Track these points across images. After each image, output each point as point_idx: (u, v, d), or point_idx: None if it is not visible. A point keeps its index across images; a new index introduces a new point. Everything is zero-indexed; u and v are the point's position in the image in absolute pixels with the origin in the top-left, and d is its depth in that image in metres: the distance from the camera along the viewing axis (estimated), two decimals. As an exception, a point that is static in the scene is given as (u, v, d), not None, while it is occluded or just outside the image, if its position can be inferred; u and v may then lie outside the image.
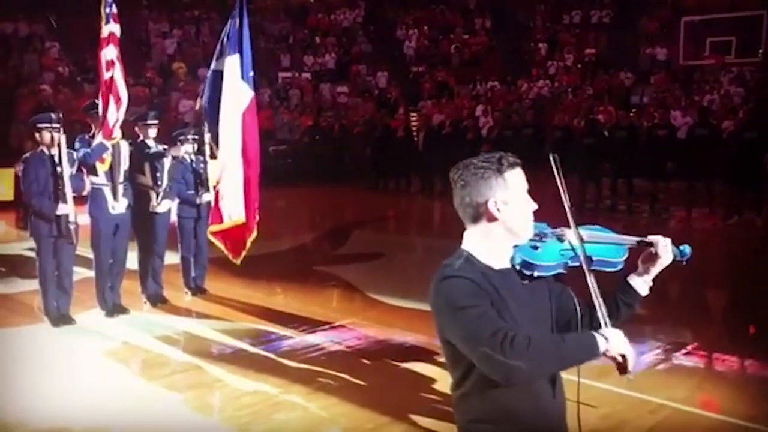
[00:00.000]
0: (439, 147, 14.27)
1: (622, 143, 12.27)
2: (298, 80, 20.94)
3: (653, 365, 5.53)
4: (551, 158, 2.24)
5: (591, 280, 2.14)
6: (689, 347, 5.89)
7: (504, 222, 2.10)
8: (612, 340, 2.02)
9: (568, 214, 2.20)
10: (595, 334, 2.03)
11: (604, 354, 2.01)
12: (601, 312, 2.10)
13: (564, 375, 2.31)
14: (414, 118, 18.07)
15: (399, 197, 15.03)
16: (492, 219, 2.10)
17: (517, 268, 2.14)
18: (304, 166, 16.61)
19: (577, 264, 2.20)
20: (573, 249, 2.19)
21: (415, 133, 16.43)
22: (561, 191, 2.22)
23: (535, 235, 2.18)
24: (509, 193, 2.08)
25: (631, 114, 15.14)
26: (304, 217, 13.30)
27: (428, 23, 23.90)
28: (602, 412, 4.61)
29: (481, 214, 2.10)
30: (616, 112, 14.69)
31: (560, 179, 2.22)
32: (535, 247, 2.16)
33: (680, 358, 5.67)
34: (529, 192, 2.16)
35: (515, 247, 2.15)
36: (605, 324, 2.08)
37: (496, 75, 21.13)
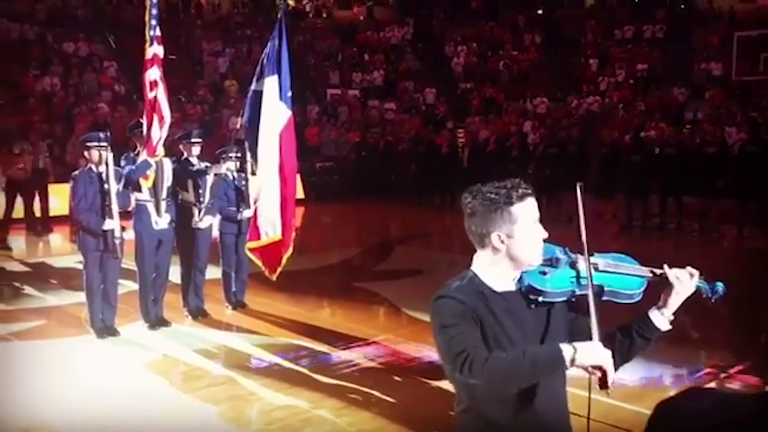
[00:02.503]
0: (484, 163, 14.24)
1: (671, 160, 12.05)
2: (346, 97, 21.17)
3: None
4: (577, 187, 2.20)
5: (592, 310, 2.11)
6: (731, 370, 5.74)
7: (507, 252, 2.12)
8: (581, 350, 1.99)
9: (584, 241, 2.17)
10: (563, 345, 2.01)
11: (573, 365, 2.00)
12: (596, 328, 2.07)
13: (574, 390, 2.31)
14: (460, 135, 18.07)
15: (443, 214, 15.02)
16: (496, 250, 2.13)
17: (523, 292, 2.15)
18: (349, 182, 16.76)
19: (586, 293, 2.15)
20: (582, 278, 2.16)
21: (460, 150, 16.41)
22: (580, 218, 2.19)
23: (548, 259, 2.16)
24: (515, 227, 2.09)
25: (685, 130, 14.85)
26: (347, 233, 13.41)
27: (477, 40, 23.92)
28: (634, 436, 4.53)
29: (486, 244, 2.14)
30: (668, 128, 14.44)
31: (581, 206, 2.19)
32: (544, 273, 2.15)
33: (722, 381, 5.53)
34: (542, 220, 2.15)
35: (524, 271, 2.16)
36: (595, 338, 2.06)
37: (545, 91, 21.00)
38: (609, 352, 2.02)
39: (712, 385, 5.45)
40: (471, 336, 2.02)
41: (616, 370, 2.22)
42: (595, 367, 2.00)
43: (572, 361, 1.99)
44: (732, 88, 18.92)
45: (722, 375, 5.63)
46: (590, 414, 2.25)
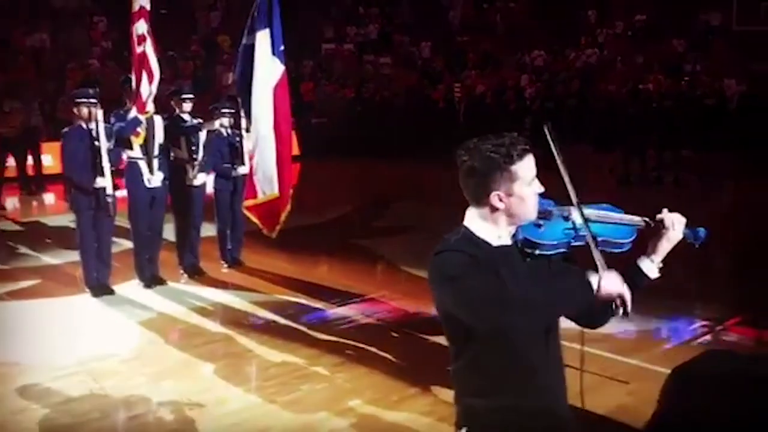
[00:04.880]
0: (481, 118, 14.11)
1: (669, 113, 11.94)
2: (341, 51, 20.87)
3: (687, 341, 5.42)
4: (546, 129, 2.19)
5: (597, 255, 2.11)
6: (727, 323, 5.74)
7: (505, 210, 2.09)
8: (605, 279, 2.04)
9: (570, 193, 2.16)
10: (590, 275, 2.04)
11: (598, 295, 2.03)
12: (601, 261, 2.11)
13: (569, 344, 2.29)
14: (457, 89, 17.85)
15: (439, 169, 14.95)
16: (494, 209, 2.09)
17: (519, 245, 2.13)
18: (345, 138, 16.58)
19: (581, 243, 2.18)
20: (577, 228, 2.17)
21: (456, 104, 16.24)
22: (560, 167, 2.18)
23: (540, 212, 2.16)
24: (514, 186, 2.06)
25: (683, 81, 14.66)
26: (344, 190, 13.32)
27: (473, -10, 23.47)
28: (631, 388, 4.55)
29: (484, 203, 2.10)
30: (666, 80, 14.27)
31: (557, 152, 2.18)
32: (538, 226, 2.15)
33: (718, 334, 5.55)
34: (538, 176, 2.12)
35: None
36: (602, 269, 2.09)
37: (542, 44, 20.69)
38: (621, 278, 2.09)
39: (708, 338, 5.47)
40: (485, 281, 2.00)
41: (604, 323, 2.29)
42: (616, 295, 2.05)
43: (597, 291, 2.03)
44: (732, 39, 18.66)
45: (718, 328, 5.64)
46: (586, 367, 2.25)
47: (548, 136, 2.19)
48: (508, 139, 2.06)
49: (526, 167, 2.06)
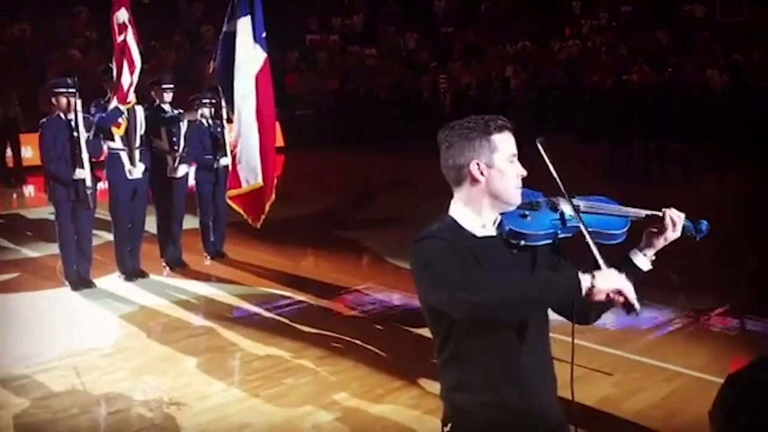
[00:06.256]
0: (466, 109, 14.03)
1: (653, 104, 11.96)
2: (325, 42, 20.73)
3: (673, 331, 5.42)
4: (538, 144, 2.15)
5: (592, 246, 2.02)
6: (713, 313, 5.75)
7: (487, 186, 2.04)
8: (599, 277, 1.91)
9: (559, 184, 2.10)
10: (581, 274, 1.92)
11: (591, 293, 1.90)
12: (600, 259, 1.99)
13: (558, 336, 2.24)
14: (442, 80, 17.79)
15: (424, 160, 14.88)
16: (474, 182, 2.04)
17: (504, 236, 2.07)
18: (330, 130, 16.50)
19: (568, 235, 2.12)
20: (565, 219, 2.11)
21: (442, 96, 16.21)
22: (550, 169, 2.12)
23: (527, 202, 2.11)
24: (494, 157, 2.03)
25: (667, 73, 14.69)
26: (329, 181, 13.24)
27: (459, -18, 23.36)
28: (616, 379, 4.54)
29: (464, 176, 2.05)
30: (651, 72, 14.30)
31: (548, 159, 2.13)
32: (524, 216, 2.09)
33: (703, 324, 5.55)
34: (520, 158, 2.08)
35: (503, 214, 2.08)
36: (602, 267, 1.97)
37: (527, 35, 20.66)
38: (623, 275, 1.96)
39: (692, 328, 5.47)
40: (459, 266, 1.93)
41: (598, 318, 2.19)
42: (615, 293, 1.92)
43: (590, 289, 1.89)
44: (716, 30, 18.72)
45: (702, 318, 5.64)
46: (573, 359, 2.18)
47: (542, 151, 2.14)
48: (487, 116, 2.08)
49: (505, 141, 2.05)
